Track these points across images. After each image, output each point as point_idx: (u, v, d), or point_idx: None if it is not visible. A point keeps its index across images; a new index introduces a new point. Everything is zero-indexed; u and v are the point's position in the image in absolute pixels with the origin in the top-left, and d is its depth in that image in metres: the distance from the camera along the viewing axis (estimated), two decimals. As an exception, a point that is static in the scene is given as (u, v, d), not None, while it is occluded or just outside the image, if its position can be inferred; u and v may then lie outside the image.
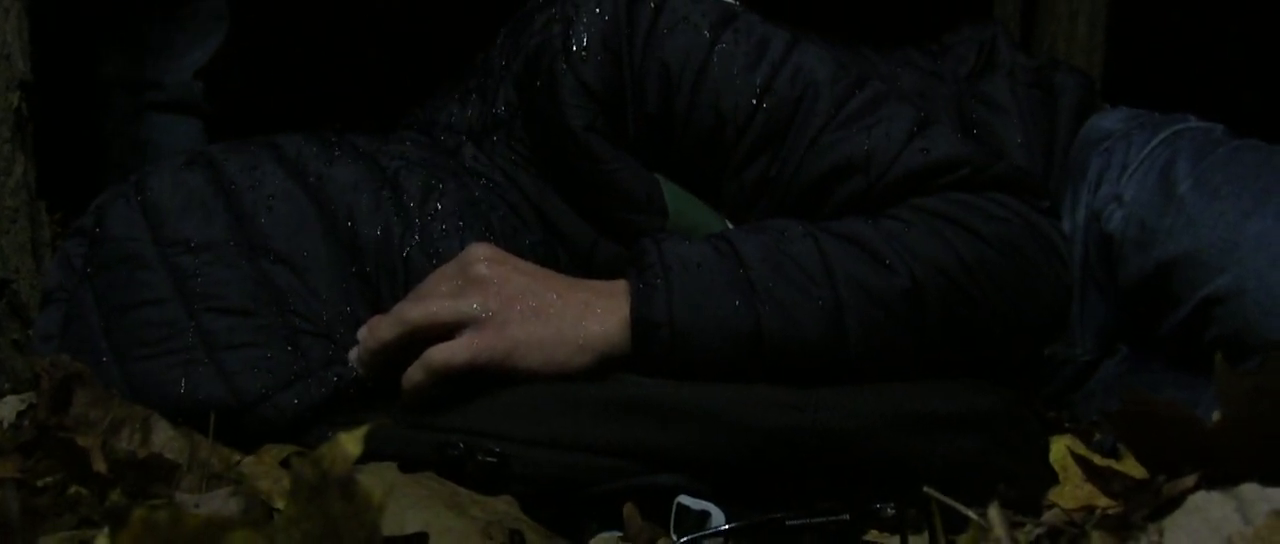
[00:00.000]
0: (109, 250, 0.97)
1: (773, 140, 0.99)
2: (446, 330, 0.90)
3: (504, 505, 0.80)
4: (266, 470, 0.84)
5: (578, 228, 1.04)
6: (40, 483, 0.81)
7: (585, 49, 0.99)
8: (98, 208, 1.00)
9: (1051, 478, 0.92)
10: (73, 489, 0.78)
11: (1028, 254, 0.96)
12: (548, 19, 1.03)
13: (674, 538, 0.83)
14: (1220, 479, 0.62)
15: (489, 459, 0.84)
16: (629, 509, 0.84)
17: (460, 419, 0.88)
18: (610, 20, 1.00)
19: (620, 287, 0.93)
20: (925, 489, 0.70)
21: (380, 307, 0.96)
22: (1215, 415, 0.68)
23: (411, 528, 0.70)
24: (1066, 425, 1.04)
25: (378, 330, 0.92)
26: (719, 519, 0.83)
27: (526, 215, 1.04)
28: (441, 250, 0.98)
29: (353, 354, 0.93)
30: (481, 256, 0.92)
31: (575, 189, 1.03)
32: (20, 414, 1.03)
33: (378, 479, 0.75)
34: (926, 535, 0.78)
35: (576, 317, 0.90)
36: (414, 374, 0.90)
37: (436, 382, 0.89)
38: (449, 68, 1.19)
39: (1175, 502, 0.62)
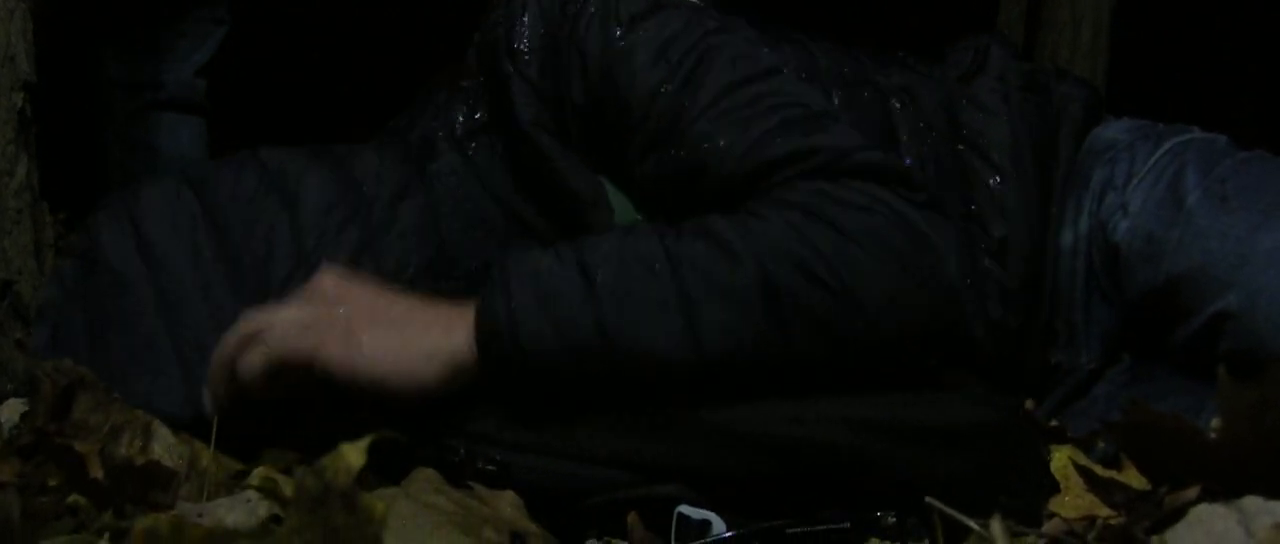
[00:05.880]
0: (101, 275, 0.97)
1: (663, 137, 0.97)
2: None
3: (510, 511, 0.79)
4: (268, 479, 0.84)
5: (551, 234, 1.03)
6: (41, 486, 0.81)
7: (526, 44, 1.00)
8: (91, 228, 1.01)
9: (1052, 487, 0.92)
10: (73, 496, 0.78)
11: (893, 245, 0.90)
12: (495, 17, 1.03)
13: (674, 546, 0.83)
14: (1223, 491, 0.62)
15: (489, 467, 0.84)
16: (632, 518, 0.84)
17: (460, 426, 0.88)
18: (547, 14, 1.01)
19: (473, 302, 0.90)
20: (927, 499, 0.70)
21: None
22: (1214, 422, 0.68)
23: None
24: (1068, 435, 1.04)
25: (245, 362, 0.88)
26: (720, 528, 0.83)
27: (495, 223, 1.03)
28: (385, 268, 0.97)
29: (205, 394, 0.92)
30: (329, 278, 0.91)
31: (535, 189, 1.03)
32: (22, 416, 1.03)
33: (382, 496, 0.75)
34: (927, 544, 0.78)
35: (424, 327, 0.89)
36: (253, 357, 0.87)
37: (272, 370, 0.87)
38: (442, 69, 1.18)
39: (1177, 513, 0.62)
